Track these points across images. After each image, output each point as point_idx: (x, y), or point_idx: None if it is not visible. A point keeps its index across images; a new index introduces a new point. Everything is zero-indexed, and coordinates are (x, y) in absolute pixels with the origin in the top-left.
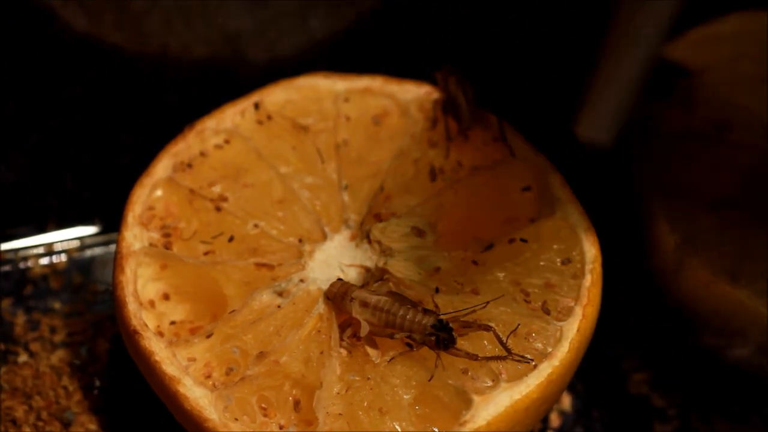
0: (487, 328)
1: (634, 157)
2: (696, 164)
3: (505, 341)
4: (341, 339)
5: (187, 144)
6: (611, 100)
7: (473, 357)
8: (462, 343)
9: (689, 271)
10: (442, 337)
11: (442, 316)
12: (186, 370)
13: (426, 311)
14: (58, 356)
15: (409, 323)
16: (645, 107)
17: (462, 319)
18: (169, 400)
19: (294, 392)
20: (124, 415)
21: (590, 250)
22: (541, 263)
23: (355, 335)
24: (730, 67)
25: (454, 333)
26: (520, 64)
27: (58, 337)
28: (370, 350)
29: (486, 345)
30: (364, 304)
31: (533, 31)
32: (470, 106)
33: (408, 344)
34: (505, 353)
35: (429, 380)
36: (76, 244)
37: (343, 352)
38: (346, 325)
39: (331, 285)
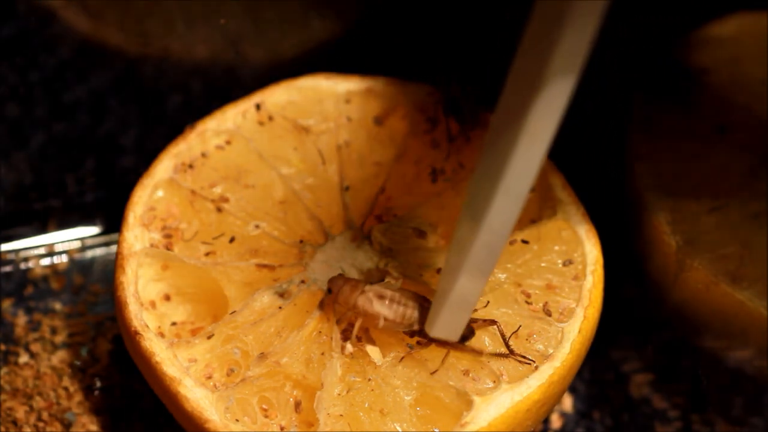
0: (492, 323)
1: (635, 157)
2: (697, 165)
3: (507, 341)
4: (344, 338)
5: (188, 145)
6: (452, 306)
7: (479, 352)
8: (465, 345)
9: (690, 272)
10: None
11: None
12: (187, 371)
13: None
14: (59, 357)
15: (424, 317)
16: (645, 108)
17: (471, 324)
18: (170, 401)
19: (295, 393)
20: (125, 416)
21: (592, 251)
22: (543, 264)
23: (352, 336)
24: (731, 68)
25: (472, 325)
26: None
27: (59, 338)
28: (369, 348)
29: (487, 345)
30: (380, 296)
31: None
32: (471, 106)
33: (409, 345)
34: (508, 351)
35: (432, 373)
36: (77, 244)
37: (344, 352)
38: (346, 323)
39: (334, 279)
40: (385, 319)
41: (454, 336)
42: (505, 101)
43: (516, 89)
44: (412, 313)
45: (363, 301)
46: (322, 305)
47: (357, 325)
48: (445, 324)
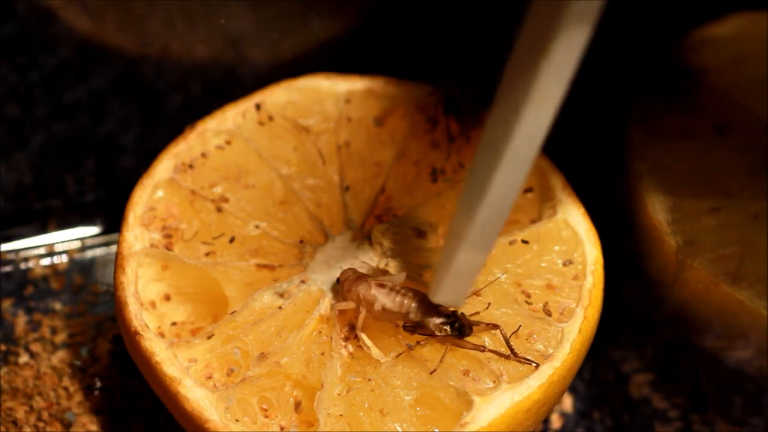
0: (495, 327)
1: (635, 157)
2: (697, 166)
3: (511, 344)
4: (344, 338)
5: (188, 145)
6: (457, 270)
7: (481, 348)
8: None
9: (690, 272)
10: (459, 324)
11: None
12: (187, 371)
13: (437, 305)
14: (59, 357)
15: (423, 310)
16: (645, 108)
17: (472, 318)
18: (170, 401)
19: (295, 393)
20: (125, 416)
21: (592, 251)
22: (543, 264)
23: (357, 329)
24: (731, 68)
25: (468, 322)
26: None
27: (59, 338)
28: (365, 338)
29: (488, 345)
30: (381, 285)
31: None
32: (472, 106)
33: (408, 345)
34: (509, 351)
35: (431, 373)
36: (77, 244)
37: (345, 352)
38: (348, 323)
39: (345, 270)
40: (383, 307)
41: (458, 302)
42: (516, 59)
43: (528, 43)
44: (410, 303)
45: (364, 288)
46: (322, 305)
47: (360, 317)
48: (449, 289)
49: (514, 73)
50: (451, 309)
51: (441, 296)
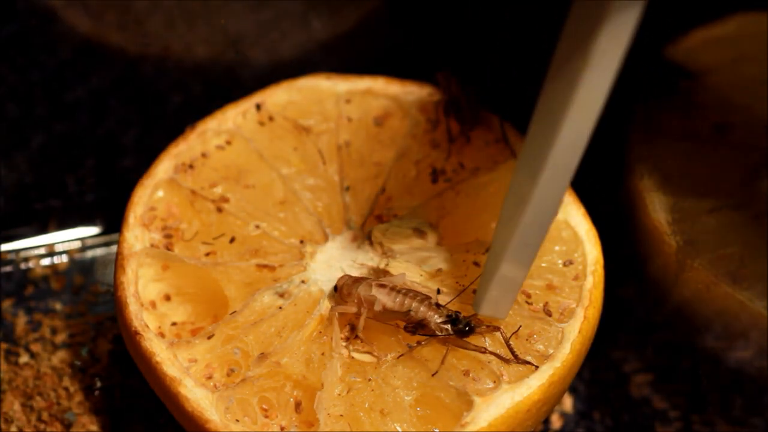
0: (496, 329)
1: (635, 157)
2: (697, 166)
3: (512, 347)
4: (344, 338)
5: (188, 145)
6: (501, 280)
7: (481, 350)
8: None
9: (690, 273)
10: (462, 324)
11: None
12: (187, 371)
13: (439, 305)
14: (59, 357)
15: (425, 309)
16: (646, 108)
17: (472, 318)
18: (170, 401)
19: (295, 393)
20: (125, 416)
21: (592, 251)
22: (543, 265)
23: (358, 331)
24: (731, 68)
25: (470, 321)
26: (521, 64)
27: (59, 338)
28: (363, 335)
29: (488, 346)
30: (382, 286)
31: (534, 32)
32: (472, 107)
33: (409, 345)
34: (510, 353)
35: (433, 375)
36: (77, 244)
37: (345, 353)
38: (348, 324)
39: (341, 277)
40: (384, 307)
41: (502, 314)
42: (555, 69)
43: (567, 52)
44: (411, 302)
45: (364, 289)
46: (322, 306)
47: (361, 320)
48: (492, 301)
49: (552, 84)
50: (456, 311)
51: (485, 309)
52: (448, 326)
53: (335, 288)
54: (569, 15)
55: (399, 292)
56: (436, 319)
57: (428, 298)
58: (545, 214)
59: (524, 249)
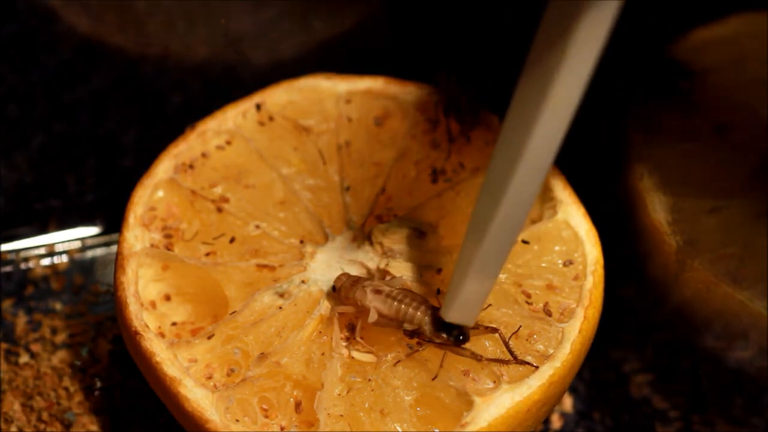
0: (494, 330)
1: (635, 157)
2: (697, 166)
3: (511, 348)
4: (344, 338)
5: (188, 145)
6: (468, 288)
7: (478, 357)
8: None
9: (690, 273)
10: (455, 331)
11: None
12: (187, 371)
13: (436, 309)
14: (59, 357)
15: (420, 316)
16: (645, 108)
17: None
18: (170, 401)
19: (295, 393)
20: (125, 416)
21: (592, 251)
22: (543, 265)
23: (357, 335)
24: (732, 68)
25: (466, 329)
26: (521, 65)
27: (59, 338)
28: (362, 342)
29: (488, 346)
30: (377, 292)
31: (534, 32)
32: (472, 107)
33: (409, 345)
34: (509, 355)
35: (433, 379)
36: (77, 244)
37: (345, 353)
38: (348, 324)
39: (339, 276)
40: (380, 314)
41: (470, 320)
42: (528, 72)
43: (541, 52)
44: (407, 309)
45: (360, 295)
46: (322, 306)
47: (359, 325)
48: (460, 307)
49: (525, 86)
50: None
51: (452, 316)
52: (444, 334)
53: (333, 288)
54: (545, 11)
55: (395, 298)
56: (431, 327)
57: (425, 302)
58: (511, 228)
59: (490, 262)
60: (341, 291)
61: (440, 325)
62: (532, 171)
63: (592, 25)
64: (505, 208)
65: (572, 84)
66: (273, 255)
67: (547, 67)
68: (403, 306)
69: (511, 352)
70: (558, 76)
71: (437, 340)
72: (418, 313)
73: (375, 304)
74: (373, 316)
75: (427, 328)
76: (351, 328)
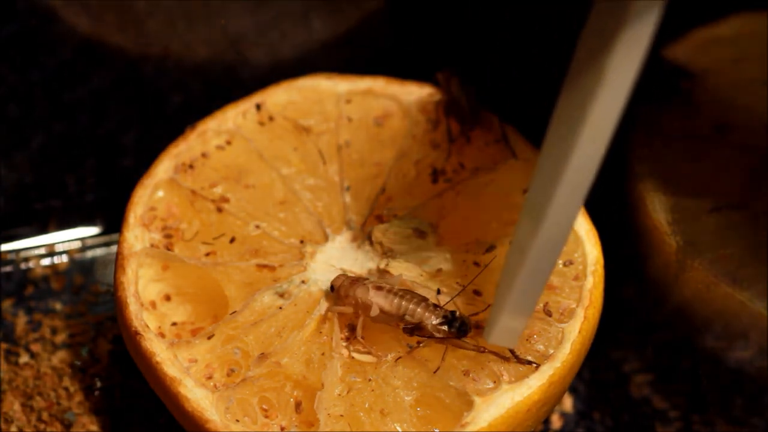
0: None
1: (635, 158)
2: (697, 166)
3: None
4: (344, 338)
5: (188, 145)
6: (512, 310)
7: (480, 349)
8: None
9: (690, 273)
10: (458, 323)
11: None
12: (187, 371)
13: (436, 306)
14: (59, 357)
15: (421, 311)
16: (645, 108)
17: (472, 319)
18: (170, 401)
19: (295, 393)
20: (125, 416)
21: (592, 251)
22: None
23: (358, 335)
24: (731, 68)
25: (467, 321)
26: (522, 65)
27: (59, 338)
28: (359, 331)
29: (488, 345)
30: (378, 288)
31: (534, 32)
32: (472, 107)
33: (409, 345)
34: (509, 354)
35: (435, 371)
36: (77, 244)
37: (345, 353)
38: (348, 324)
39: (337, 277)
40: (381, 310)
41: (512, 343)
42: (567, 94)
43: (576, 88)
44: (407, 305)
45: (361, 292)
46: (322, 306)
47: (360, 322)
48: (504, 330)
49: (565, 106)
50: (451, 309)
51: (494, 339)
52: (445, 327)
53: (331, 288)
54: (583, 31)
55: (396, 294)
56: (432, 320)
57: (425, 299)
58: (551, 250)
59: (533, 284)
60: (340, 290)
61: (441, 317)
62: (573, 191)
63: (630, 43)
64: (545, 230)
65: (611, 106)
66: (273, 255)
67: (587, 87)
68: (404, 302)
69: (512, 351)
70: (597, 98)
71: (438, 335)
72: (419, 309)
73: (376, 300)
74: (375, 311)
75: (428, 322)
76: (351, 328)
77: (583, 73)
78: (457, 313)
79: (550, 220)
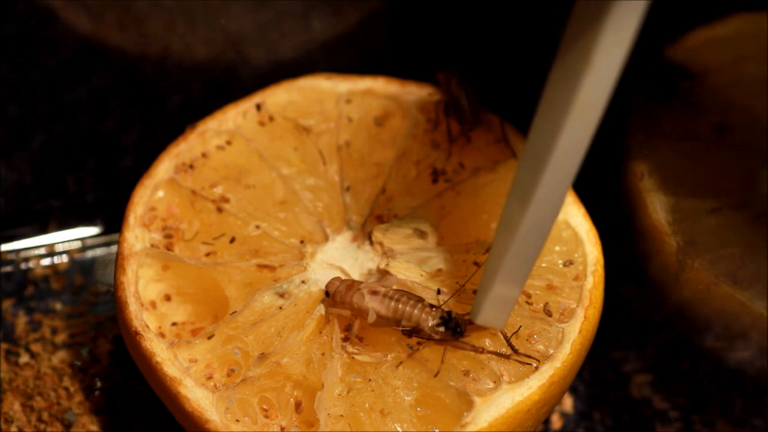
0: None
1: (635, 157)
2: (697, 166)
3: (512, 343)
4: (344, 338)
5: (188, 145)
6: (498, 293)
7: (479, 350)
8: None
9: (691, 273)
10: (453, 324)
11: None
12: (187, 372)
13: (433, 306)
14: (60, 357)
15: (418, 313)
16: (645, 109)
17: (467, 318)
18: (171, 401)
19: (295, 393)
20: (125, 416)
21: (592, 252)
22: (543, 265)
23: (353, 335)
24: (731, 68)
25: (464, 320)
26: (522, 65)
27: (60, 338)
28: (355, 333)
29: (488, 345)
30: (374, 293)
31: (534, 32)
32: (472, 107)
33: (409, 345)
34: (509, 351)
35: (435, 375)
36: (77, 244)
37: (345, 353)
38: (348, 324)
39: (331, 281)
40: (378, 315)
41: (500, 324)
42: (552, 83)
43: (564, 66)
44: (404, 308)
45: (357, 298)
46: (322, 306)
47: (356, 325)
48: (490, 311)
49: (552, 89)
50: (448, 311)
51: (481, 319)
52: (442, 328)
53: (326, 293)
54: (570, 18)
55: (392, 298)
56: (429, 322)
57: (421, 300)
58: (538, 232)
59: (518, 266)
60: (335, 296)
61: (438, 319)
62: (560, 175)
63: (619, 25)
64: (532, 213)
65: (599, 88)
66: (273, 255)
67: (574, 71)
68: (400, 305)
69: (511, 346)
70: (584, 79)
71: (436, 336)
72: (416, 311)
73: (373, 305)
74: (372, 317)
75: (425, 325)
76: (350, 329)
77: (571, 54)
78: (453, 314)
79: (537, 201)
